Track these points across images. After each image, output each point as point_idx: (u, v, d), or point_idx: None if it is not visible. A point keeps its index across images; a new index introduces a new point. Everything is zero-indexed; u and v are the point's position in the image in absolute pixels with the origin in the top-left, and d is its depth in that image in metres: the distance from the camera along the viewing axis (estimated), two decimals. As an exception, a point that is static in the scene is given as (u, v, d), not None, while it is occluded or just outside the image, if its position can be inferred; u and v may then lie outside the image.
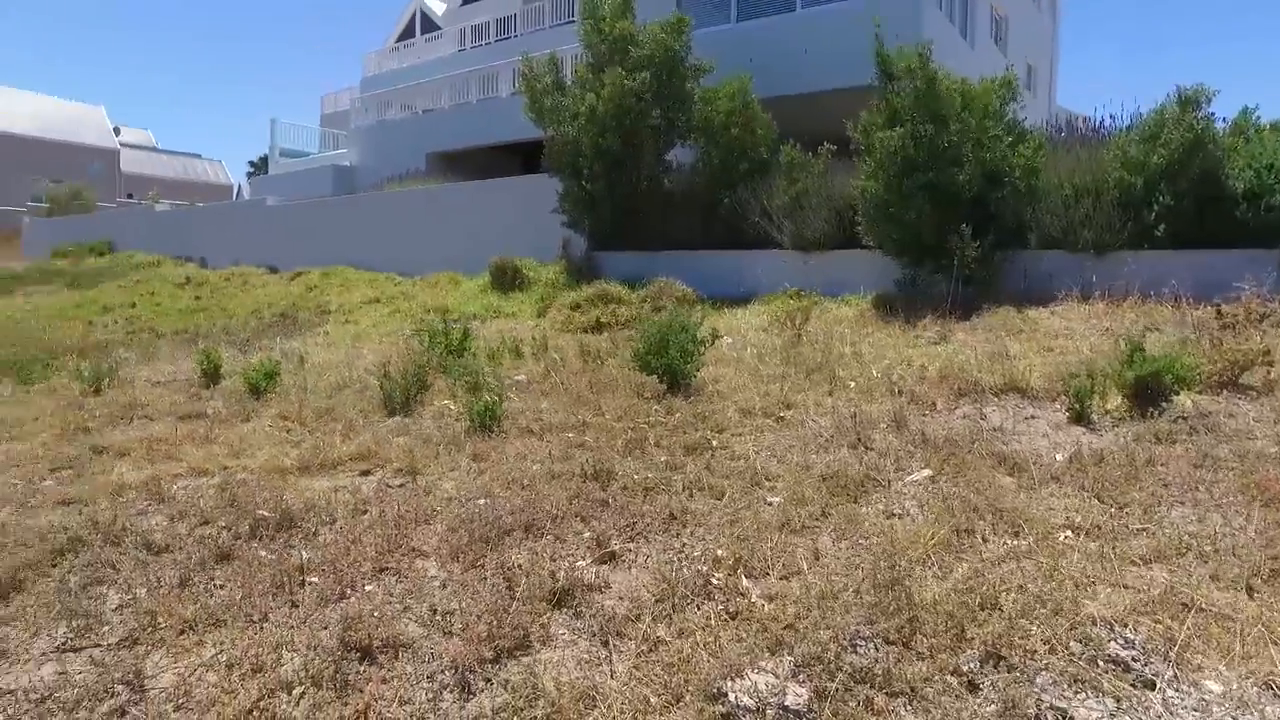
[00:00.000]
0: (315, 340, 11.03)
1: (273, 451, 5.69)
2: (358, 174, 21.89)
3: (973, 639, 2.96)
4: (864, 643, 3.04)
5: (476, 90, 19.95)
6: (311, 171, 22.97)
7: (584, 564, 3.79)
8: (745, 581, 3.64)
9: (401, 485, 5.01)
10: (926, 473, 4.86)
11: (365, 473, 5.32)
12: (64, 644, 3.30)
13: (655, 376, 6.74)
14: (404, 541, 4.06)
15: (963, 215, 9.36)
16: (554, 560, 3.80)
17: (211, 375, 8.29)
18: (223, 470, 5.40)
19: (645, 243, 12.93)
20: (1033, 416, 5.87)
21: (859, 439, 5.46)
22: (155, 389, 8.29)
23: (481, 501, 4.58)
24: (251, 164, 47.18)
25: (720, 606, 3.42)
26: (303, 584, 3.67)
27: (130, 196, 39.28)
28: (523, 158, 20.99)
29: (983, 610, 3.13)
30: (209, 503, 4.71)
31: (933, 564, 3.65)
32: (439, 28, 26.49)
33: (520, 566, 3.72)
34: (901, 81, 9.89)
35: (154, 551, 4.10)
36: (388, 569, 3.81)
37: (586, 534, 4.11)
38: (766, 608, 3.37)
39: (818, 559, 3.83)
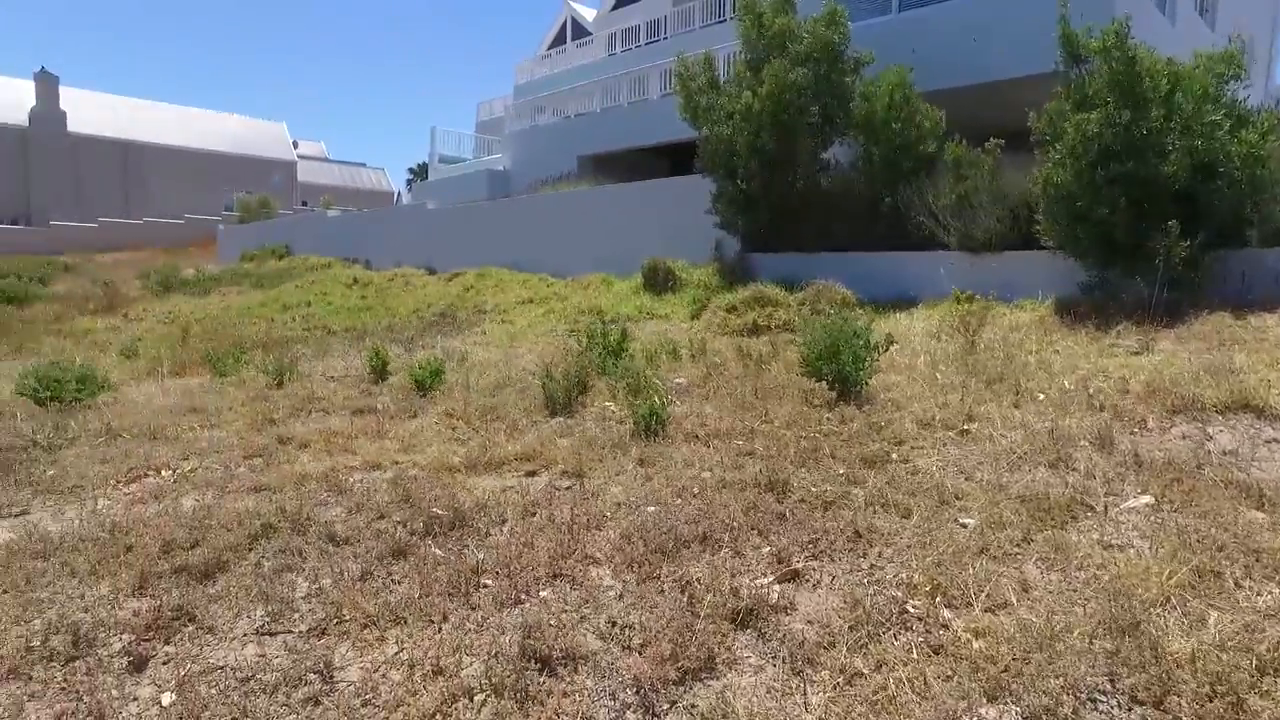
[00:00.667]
0: (474, 339, 11.34)
1: (441, 449, 5.78)
2: (511, 178, 22.58)
3: (1258, 712, 2.49)
4: (1104, 698, 2.64)
5: (627, 93, 20.11)
6: (467, 176, 23.90)
7: (766, 582, 3.55)
8: (946, 612, 3.29)
9: (569, 488, 4.93)
10: (1146, 499, 4.29)
11: (531, 473, 5.30)
12: (262, 627, 3.39)
13: (824, 383, 6.40)
14: (577, 547, 3.95)
15: (1166, 211, 8.42)
16: (734, 576, 3.58)
17: (380, 372, 8.63)
18: (394, 465, 5.53)
19: (801, 244, 12.53)
20: (1275, 440, 5.11)
21: (1059, 457, 4.93)
22: (330, 384, 8.72)
23: (652, 509, 4.43)
24: (410, 171, 50.02)
25: (920, 638, 3.10)
26: (478, 586, 3.62)
27: (304, 204, 42.46)
28: (671, 159, 20.96)
29: (1265, 676, 2.64)
30: (384, 497, 4.80)
31: (1175, 609, 3.16)
32: (589, 34, 26.96)
33: (699, 581, 3.53)
34: (1092, 63, 9.03)
35: (336, 543, 4.19)
36: (562, 575, 3.71)
37: (766, 549, 3.87)
38: (975, 645, 3.01)
39: (1026, 591, 3.43)
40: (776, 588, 3.49)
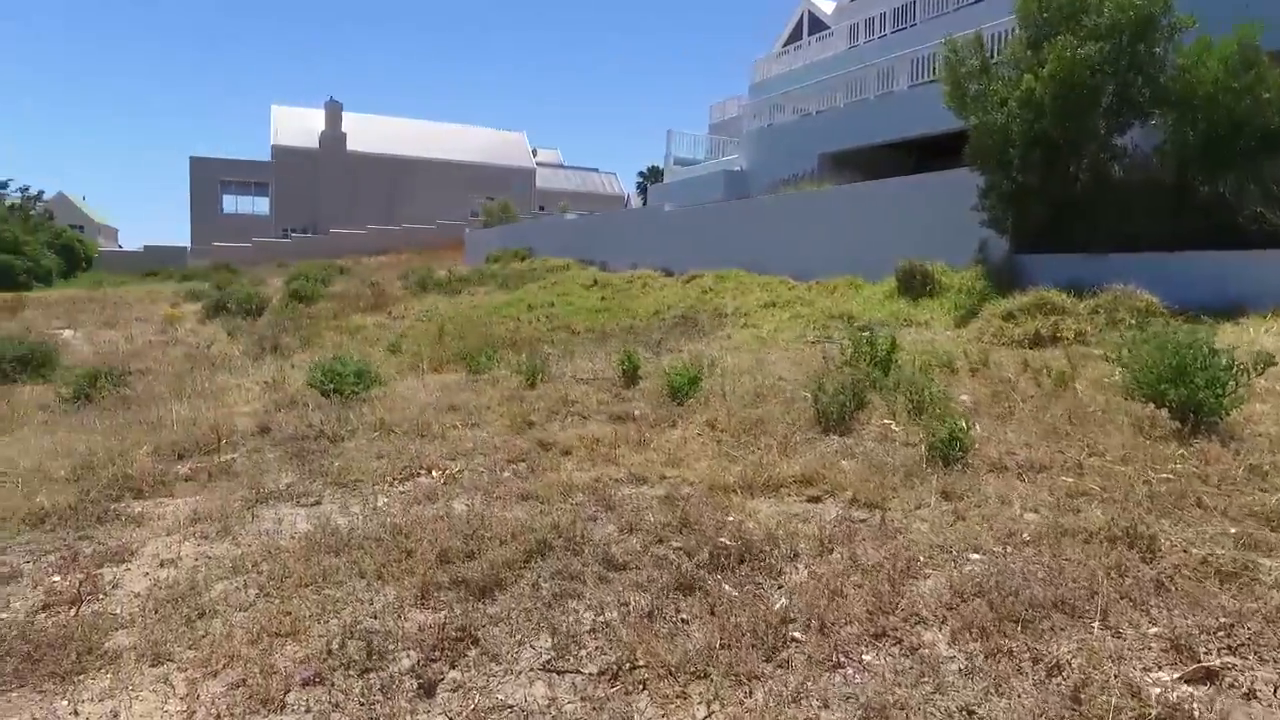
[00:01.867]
0: (719, 344, 10.94)
1: (710, 464, 5.34)
2: (748, 178, 22.13)
3: None
4: None
5: (873, 86, 18.97)
6: (703, 178, 23.78)
7: (1169, 679, 2.71)
8: None
9: (864, 521, 4.29)
10: None
11: (815, 499, 4.71)
12: (549, 663, 3.08)
13: (1164, 409, 5.25)
14: (897, 600, 3.31)
15: None
16: (1119, 663, 2.78)
17: (631, 376, 8.42)
18: (662, 480, 5.16)
19: (1086, 243, 10.94)
20: None
21: None
22: (580, 386, 8.64)
23: (976, 556, 3.68)
24: (640, 175, 51.20)
25: None
26: (786, 639, 3.09)
27: (541, 208, 44.76)
28: (917, 155, 19.52)
29: None
30: (657, 518, 4.42)
31: None
32: (827, 27, 25.91)
33: (1070, 665, 2.76)
34: None
35: (614, 567, 3.84)
36: (885, 635, 3.08)
37: (1153, 630, 3.01)
38: None
39: None
40: (1189, 691, 2.64)
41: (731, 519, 4.33)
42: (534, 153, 51.67)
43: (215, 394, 9.96)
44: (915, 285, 12.16)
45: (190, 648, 3.31)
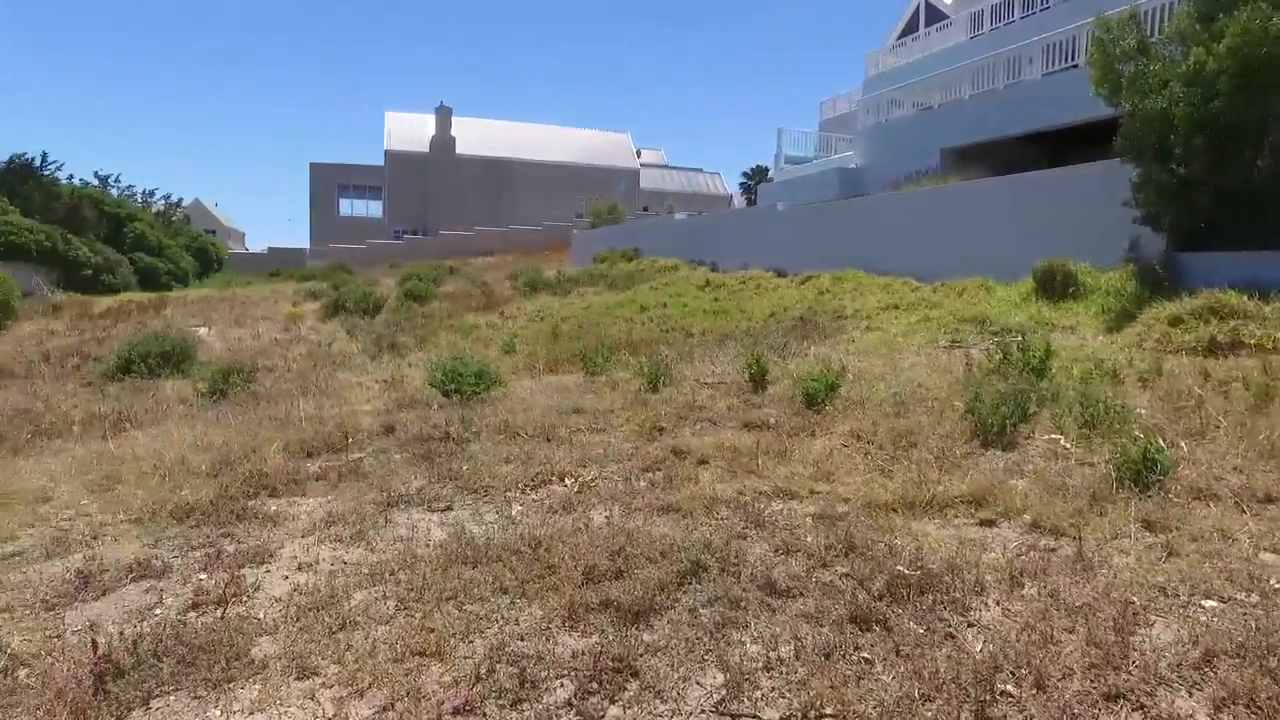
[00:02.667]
0: (843, 347, 10.40)
1: (863, 479, 4.91)
2: (863, 176, 21.30)
3: None
4: None
5: (1001, 76, 17.88)
6: (814, 176, 23.06)
7: None
8: None
9: (1053, 551, 3.78)
10: None
11: (988, 523, 4.22)
12: (721, 703, 2.75)
13: None
14: (1124, 652, 2.82)
15: None
16: None
17: (759, 380, 8.03)
18: (812, 495, 4.76)
19: (1265, 239, 9.84)
20: None
21: None
22: (705, 389, 8.31)
23: (1210, 604, 3.15)
24: (744, 175, 50.55)
25: None
26: (994, 691, 2.66)
27: (645, 209, 44.72)
28: (1050, 148, 18.31)
29: None
30: (816, 538, 4.03)
31: None
32: (945, 17, 24.72)
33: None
34: None
35: (777, 593, 3.49)
36: (1120, 696, 2.61)
37: None
38: None
39: None
40: None
41: (899, 542, 3.90)
42: (638, 153, 51.73)
43: (337, 392, 10.11)
44: (1055, 287, 11.25)
45: (335, 662, 3.15)
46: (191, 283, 39.75)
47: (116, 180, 47.30)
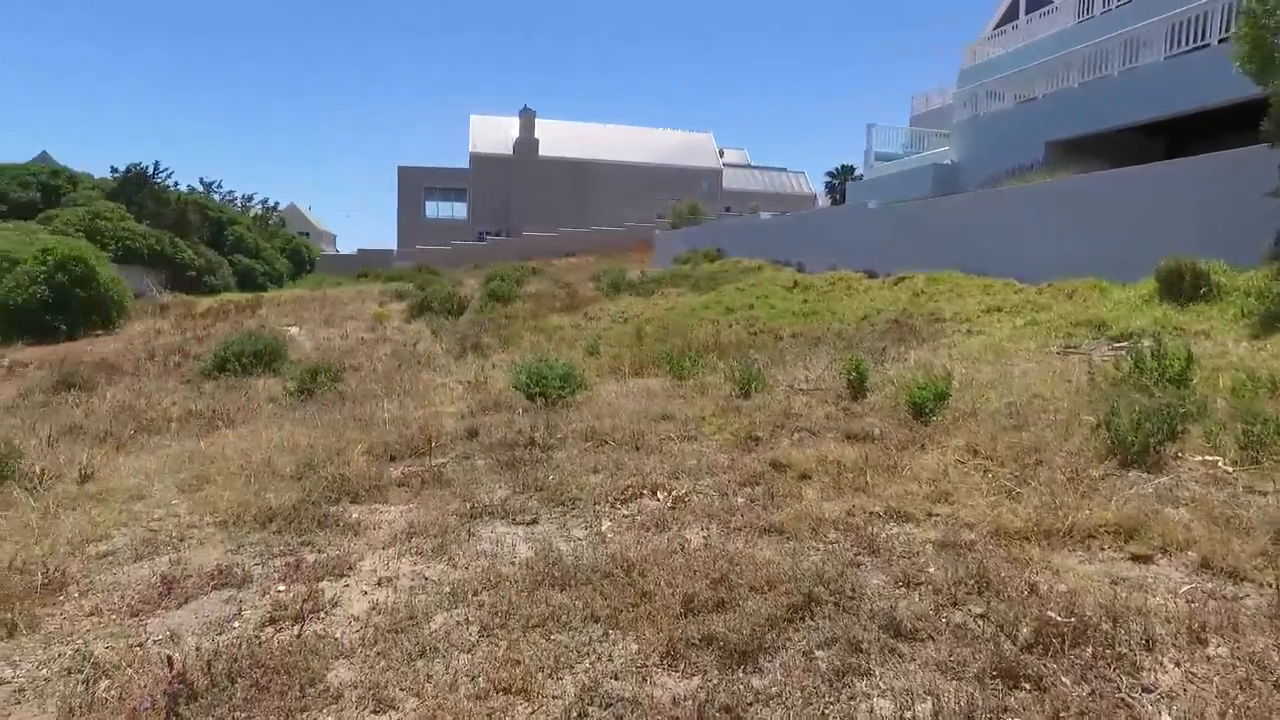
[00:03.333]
0: (944, 352, 9.77)
1: (987, 502, 4.41)
2: (959, 172, 20.32)
3: None
4: None
5: (1116, 60, 16.71)
6: (907, 173, 22.15)
7: None
8: None
9: (1239, 599, 3.24)
10: None
11: (1142, 559, 3.69)
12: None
13: None
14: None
15: None
16: None
17: (858, 387, 7.54)
18: (930, 518, 4.30)
19: None
20: None
21: None
22: (800, 396, 7.86)
23: None
24: (829, 174, 49.27)
25: None
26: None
27: (727, 209, 44.10)
28: (1168, 140, 17.09)
29: None
30: (941, 571, 3.58)
31: None
32: (1050, 1, 23.38)
33: None
34: None
35: (902, 635, 3.07)
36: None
37: None
38: None
39: None
40: None
41: (1039, 579, 3.42)
42: (720, 153, 51.13)
43: (421, 393, 10.05)
44: (1183, 288, 10.31)
45: (414, 694, 2.89)
46: (285, 283, 41.22)
47: (219, 186, 49.56)
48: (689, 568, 3.68)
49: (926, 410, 6.24)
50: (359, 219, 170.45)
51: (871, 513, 4.40)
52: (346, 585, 3.88)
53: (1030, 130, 18.37)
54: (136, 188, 37.07)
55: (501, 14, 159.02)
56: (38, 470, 6.23)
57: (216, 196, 47.54)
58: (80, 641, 3.53)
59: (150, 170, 39.26)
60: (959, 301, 13.23)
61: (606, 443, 6.20)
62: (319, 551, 4.36)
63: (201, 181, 48.46)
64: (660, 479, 5.19)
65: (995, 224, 15.17)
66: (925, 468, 5.08)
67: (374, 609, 3.57)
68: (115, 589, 4.05)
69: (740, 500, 4.78)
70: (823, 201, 49.60)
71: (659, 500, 4.81)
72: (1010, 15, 25.14)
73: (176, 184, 42.10)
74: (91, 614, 3.81)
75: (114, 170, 39.17)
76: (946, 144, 23.40)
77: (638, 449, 6.08)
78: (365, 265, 44.28)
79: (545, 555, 3.98)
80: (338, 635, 3.37)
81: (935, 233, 16.60)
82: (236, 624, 3.59)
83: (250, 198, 53.54)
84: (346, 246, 72.30)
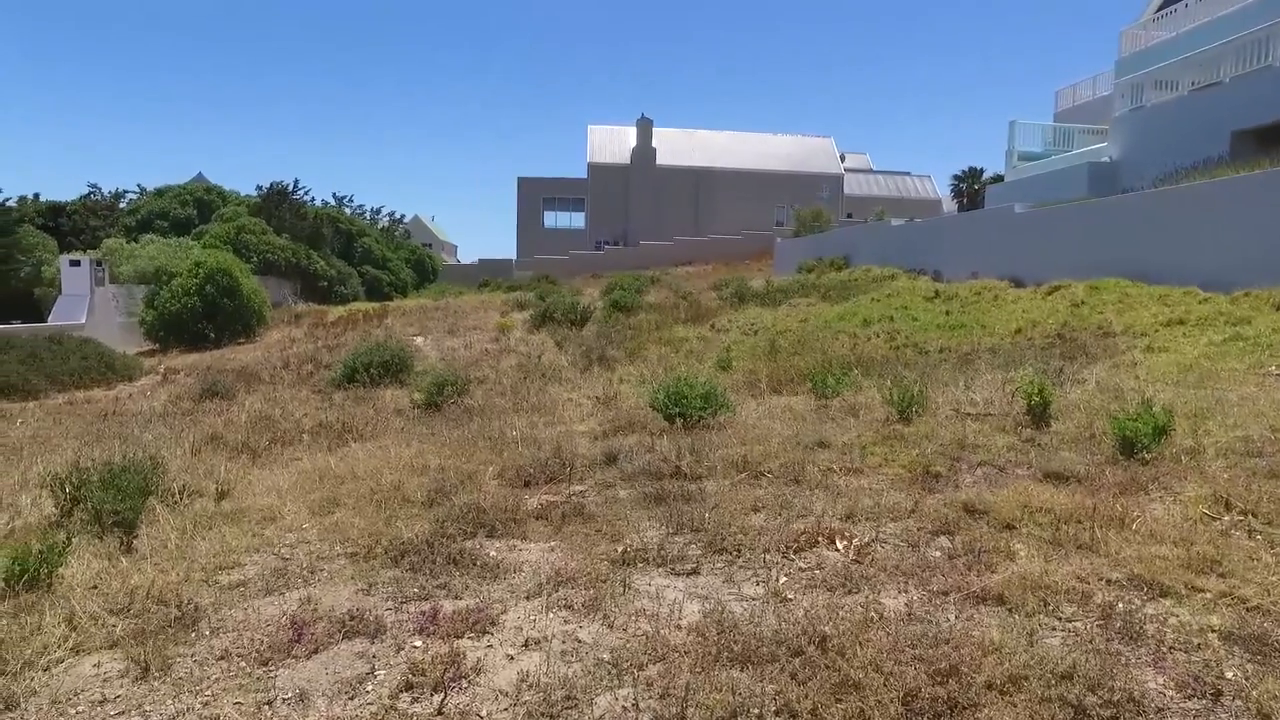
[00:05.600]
0: (1128, 372, 8.61)
1: (1277, 576, 3.50)
2: (1119, 169, 18.54)
3: None
4: None
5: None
6: (1057, 173, 20.44)
7: None
8: None
9: None
10: None
11: None
12: None
13: None
14: None
15: None
16: None
17: (1040, 413, 6.60)
18: (1194, 593, 3.43)
19: None
20: None
21: None
22: (967, 421, 6.98)
23: None
24: (955, 176, 46.87)
25: None
26: None
27: (849, 215, 42.59)
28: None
29: None
30: (1243, 677, 2.75)
31: None
32: (1223, -21, 21.13)
33: None
34: None
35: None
36: None
37: None
38: None
39: None
40: None
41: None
42: (842, 158, 49.52)
43: (550, 408, 9.70)
44: None
45: (578, 811, 2.34)
46: (410, 292, 42.55)
47: (350, 200, 51.87)
48: (898, 648, 3.00)
49: (1139, 446, 5.28)
50: (480, 229, 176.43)
51: (1110, 581, 3.58)
52: (490, 646, 3.40)
53: (1211, 120, 16.50)
54: (277, 203, 39.12)
55: (616, 24, 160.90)
56: (179, 487, 6.17)
57: (348, 210, 49.74)
58: (210, 693, 3.21)
59: (290, 187, 41.44)
60: (1130, 313, 11.86)
61: (764, 476, 5.55)
62: (456, 598, 3.92)
63: (335, 196, 50.91)
64: (835, 522, 4.50)
65: (1172, 225, 13.60)
66: (1162, 522, 4.18)
67: (524, 681, 3.06)
68: (245, 629, 3.75)
69: (936, 554, 4.05)
70: (948, 206, 47.23)
71: (839, 551, 4.12)
72: (1172, -2, 22.92)
73: (313, 199, 44.35)
74: (222, 658, 3.51)
75: (258, 188, 41.62)
76: (1099, 140, 21.54)
77: (798, 482, 5.41)
78: (486, 275, 45.21)
79: (717, 619, 3.39)
80: (484, 714, 2.88)
81: (1093, 236, 15.10)
82: (370, 686, 3.17)
83: (378, 210, 55.88)
84: (468, 256, 74.55)
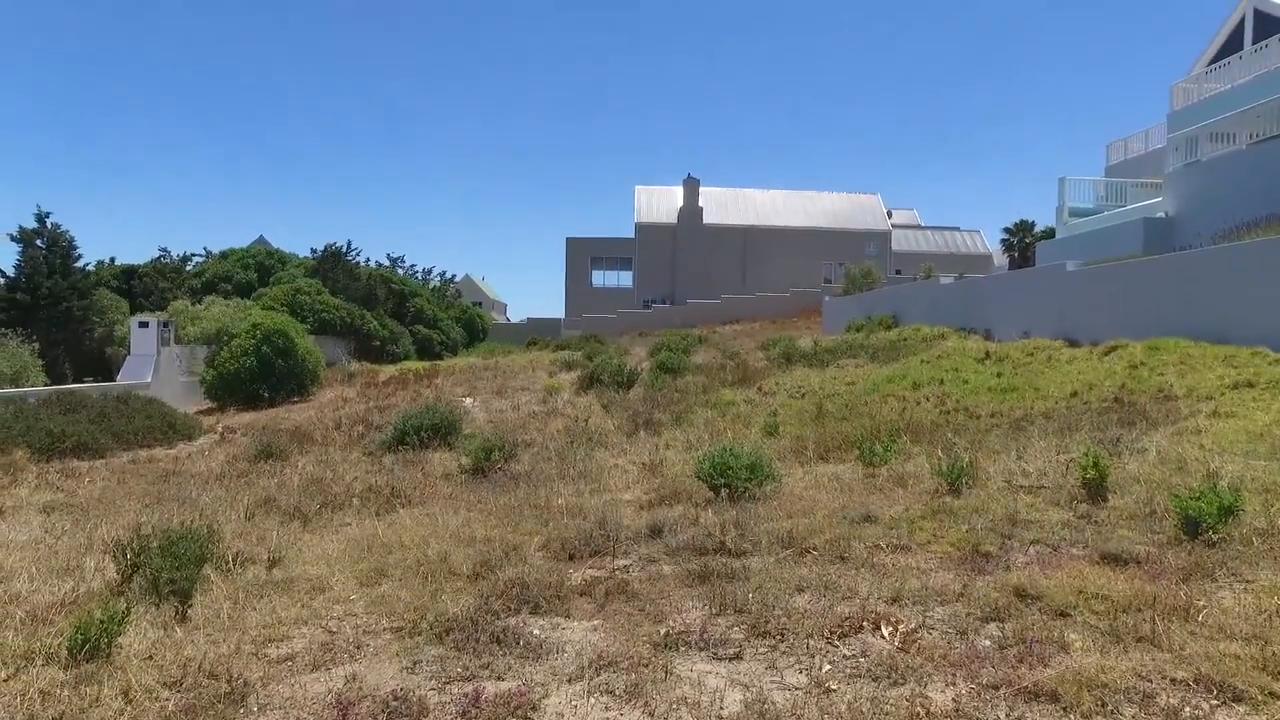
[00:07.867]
0: (1191, 440, 8.31)
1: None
2: (1176, 225, 18.20)
3: None
4: None
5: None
6: (1110, 229, 20.14)
7: None
8: None
9: None
10: None
11: None
12: None
13: None
14: None
15: None
16: None
17: (1096, 486, 6.40)
18: (1271, 700, 3.26)
19: None
20: None
21: None
22: (1020, 494, 6.80)
23: None
24: (1006, 230, 46.30)
25: None
26: None
27: (898, 272, 42.31)
28: None
29: None
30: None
31: None
32: (1280, 29, 20.80)
33: None
34: None
35: None
36: None
37: None
38: None
39: None
40: None
41: None
42: (889, 214, 49.44)
43: (595, 474, 9.73)
44: None
45: None
46: (460, 351, 43.31)
47: (402, 260, 53.43)
48: (947, 753, 2.91)
49: (1204, 525, 5.09)
50: (529, 288, 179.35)
51: (1175, 680, 3.42)
52: (531, 736, 3.38)
53: (1273, 172, 16.15)
54: (332, 265, 40.46)
55: (662, 88, 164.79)
56: (233, 554, 6.32)
57: (400, 270, 51.18)
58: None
59: (344, 248, 42.87)
60: (1193, 375, 11.49)
61: (809, 553, 5.47)
62: (499, 679, 3.92)
63: (389, 257, 52.47)
64: (880, 605, 4.41)
65: (1235, 283, 13.23)
66: (1232, 614, 4.00)
67: (564, 776, 3.04)
68: (292, 707, 3.79)
69: (986, 643, 3.92)
70: (999, 260, 46.63)
71: (885, 638, 4.03)
72: (1232, 46, 22.59)
73: (367, 260, 45.76)
74: (266, 743, 3.54)
75: (313, 250, 43.18)
76: (1153, 195, 21.21)
77: (843, 559, 5.32)
78: (535, 333, 45.80)
79: (759, 710, 3.33)
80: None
81: (1151, 295, 14.78)
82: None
83: (430, 270, 57.43)
84: (517, 315, 75.81)
